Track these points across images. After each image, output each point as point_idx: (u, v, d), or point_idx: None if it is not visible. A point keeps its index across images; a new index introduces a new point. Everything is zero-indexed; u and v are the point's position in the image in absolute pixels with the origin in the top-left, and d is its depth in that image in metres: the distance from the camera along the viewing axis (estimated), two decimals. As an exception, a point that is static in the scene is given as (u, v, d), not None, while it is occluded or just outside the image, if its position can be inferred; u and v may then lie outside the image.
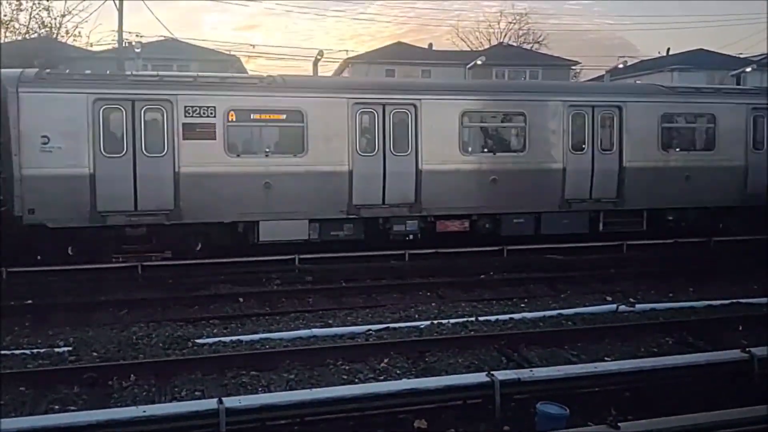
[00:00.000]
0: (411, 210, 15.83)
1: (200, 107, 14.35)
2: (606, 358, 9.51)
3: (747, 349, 8.72)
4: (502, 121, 17.11)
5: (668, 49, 50.39)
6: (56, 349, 9.86)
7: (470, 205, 16.24)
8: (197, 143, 14.35)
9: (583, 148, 16.88)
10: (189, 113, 14.28)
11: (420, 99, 15.74)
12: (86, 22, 66.79)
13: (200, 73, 16.05)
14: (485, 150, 16.70)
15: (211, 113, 14.40)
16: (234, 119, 14.63)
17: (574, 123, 16.84)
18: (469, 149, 16.42)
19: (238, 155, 14.70)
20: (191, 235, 14.99)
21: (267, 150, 15.03)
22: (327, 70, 45.78)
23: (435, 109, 15.86)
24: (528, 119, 16.49)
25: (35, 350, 9.79)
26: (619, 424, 6.59)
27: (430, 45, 50.72)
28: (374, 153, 15.51)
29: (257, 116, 14.97)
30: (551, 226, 16.78)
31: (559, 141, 16.67)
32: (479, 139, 16.99)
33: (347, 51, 47.34)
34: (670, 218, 17.75)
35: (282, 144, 15.39)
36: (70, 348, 9.92)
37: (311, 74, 19.94)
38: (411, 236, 16.13)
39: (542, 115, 16.66)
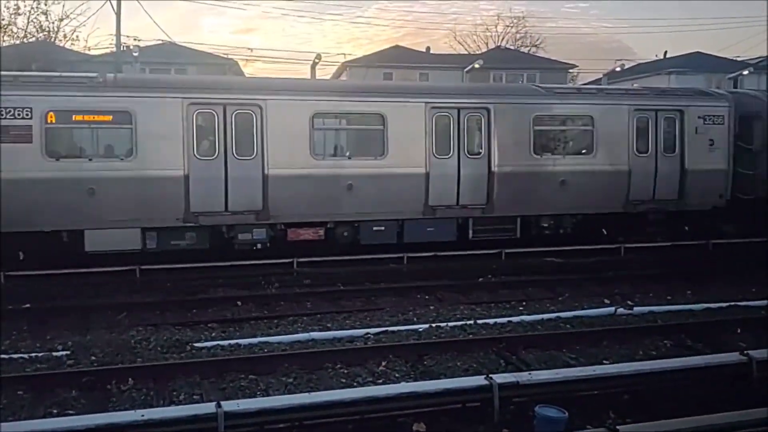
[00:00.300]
0: (258, 217, 14.84)
1: (14, 108, 13.34)
2: (604, 361, 9.51)
3: (745, 352, 8.72)
4: (358, 124, 16.15)
5: (665, 52, 50.56)
6: (54, 353, 9.84)
7: (324, 211, 15.30)
8: (11, 147, 13.31)
9: (449, 152, 15.94)
10: (2, 114, 13.29)
11: (266, 99, 14.79)
12: (84, 25, 67.50)
13: (21, 73, 14.97)
14: (339, 154, 15.86)
15: (27, 115, 13.41)
16: (54, 121, 13.62)
17: (437, 126, 15.90)
18: (322, 153, 15.41)
19: (58, 159, 13.66)
20: (10, 244, 13.64)
21: (91, 154, 14.06)
22: (325, 73, 45.80)
23: (283, 111, 14.88)
24: (387, 121, 15.44)
25: (33, 354, 9.79)
26: (617, 427, 6.60)
27: (428, 48, 50.73)
28: (214, 156, 14.51)
29: (80, 118, 13.89)
30: (415, 234, 15.95)
31: (421, 144, 15.68)
32: (333, 143, 16.07)
33: (345, 54, 47.24)
34: (546, 225, 16.95)
35: (108, 147, 14.39)
36: (68, 352, 9.91)
37: (311, 77, 19.82)
38: (259, 245, 15.23)
39: (403, 117, 15.62)
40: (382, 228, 15.77)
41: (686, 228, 18.03)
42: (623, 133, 17.13)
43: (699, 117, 17.66)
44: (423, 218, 15.89)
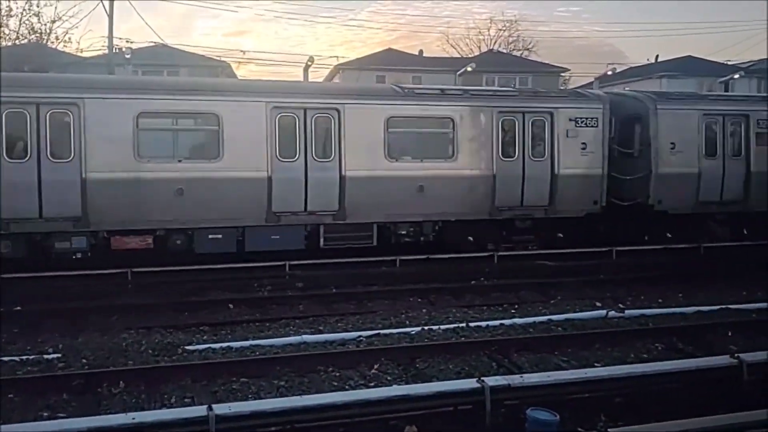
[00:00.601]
0: (77, 225, 13.95)
1: None
2: (596, 364, 9.54)
3: (736, 354, 8.76)
4: (190, 124, 15.42)
5: (657, 56, 50.83)
6: (45, 356, 9.80)
7: (152, 218, 14.38)
8: None
9: (294, 155, 15.15)
10: None
11: (83, 98, 13.91)
12: (77, 27, 67.17)
13: None
14: (168, 156, 14.79)
15: None
16: None
17: (282, 127, 15.10)
18: (148, 155, 14.41)
19: None
20: None
21: None
22: (318, 76, 45.89)
23: (103, 110, 14.02)
24: (222, 122, 14.69)
25: (24, 357, 9.73)
26: (608, 430, 6.62)
27: (421, 51, 50.88)
28: (25, 159, 13.66)
29: None
30: (258, 242, 15.12)
31: (262, 147, 14.87)
32: (161, 144, 15.00)
33: (338, 57, 47.36)
34: (404, 232, 16.27)
35: None
36: (59, 355, 9.87)
37: (301, 80, 19.72)
38: (79, 255, 14.29)
39: (240, 117, 14.84)
40: (219, 236, 14.93)
41: (559, 235, 17.44)
42: (487, 136, 16.45)
43: (570, 119, 17.01)
44: (266, 225, 15.12)
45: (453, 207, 16.31)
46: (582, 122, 17.07)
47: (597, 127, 17.18)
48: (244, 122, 14.91)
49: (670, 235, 17.99)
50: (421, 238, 16.53)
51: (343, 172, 15.44)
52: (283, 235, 15.30)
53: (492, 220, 16.80)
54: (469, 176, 16.38)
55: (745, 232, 18.53)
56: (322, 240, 15.69)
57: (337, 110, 15.46)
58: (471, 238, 16.85)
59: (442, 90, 17.56)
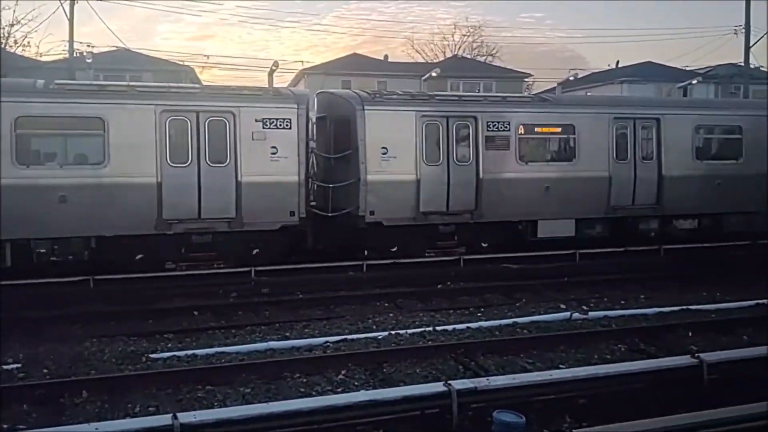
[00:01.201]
0: None
1: None
2: (561, 366, 9.64)
3: (697, 354, 8.94)
4: None
5: (617, 62, 51.59)
6: (5, 366, 9.62)
7: None
8: None
9: None
10: None
11: None
12: (36, 31, 65.67)
13: None
14: None
15: None
16: None
17: None
18: None
19: None
20: None
21: None
22: (283, 80, 45.77)
23: None
24: None
25: (-18, 368, 9.54)
26: (573, 431, 6.69)
27: (386, 56, 50.98)
28: None
29: None
30: None
31: None
32: None
33: (303, 62, 47.25)
34: (44, 251, 14.14)
35: None
36: (19, 365, 9.70)
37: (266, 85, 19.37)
38: None
39: None
40: None
41: (252, 250, 15.65)
42: (150, 139, 14.42)
43: (257, 120, 15.10)
44: None
45: (108, 221, 14.17)
46: (272, 124, 15.21)
47: (290, 129, 15.32)
48: None
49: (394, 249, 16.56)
50: (70, 257, 14.43)
51: None
52: None
53: (162, 235, 14.74)
54: (126, 184, 14.27)
55: (484, 245, 17.26)
56: None
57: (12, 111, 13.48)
58: (139, 256, 14.84)
59: (99, 86, 15.72)
